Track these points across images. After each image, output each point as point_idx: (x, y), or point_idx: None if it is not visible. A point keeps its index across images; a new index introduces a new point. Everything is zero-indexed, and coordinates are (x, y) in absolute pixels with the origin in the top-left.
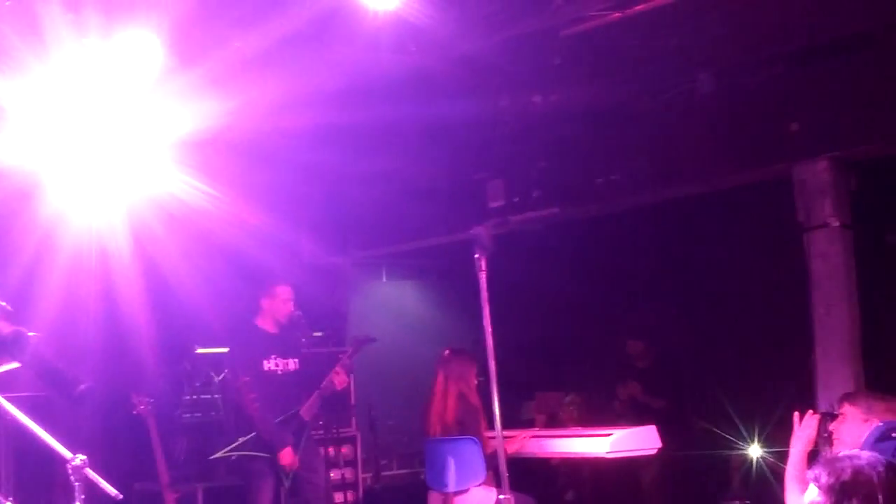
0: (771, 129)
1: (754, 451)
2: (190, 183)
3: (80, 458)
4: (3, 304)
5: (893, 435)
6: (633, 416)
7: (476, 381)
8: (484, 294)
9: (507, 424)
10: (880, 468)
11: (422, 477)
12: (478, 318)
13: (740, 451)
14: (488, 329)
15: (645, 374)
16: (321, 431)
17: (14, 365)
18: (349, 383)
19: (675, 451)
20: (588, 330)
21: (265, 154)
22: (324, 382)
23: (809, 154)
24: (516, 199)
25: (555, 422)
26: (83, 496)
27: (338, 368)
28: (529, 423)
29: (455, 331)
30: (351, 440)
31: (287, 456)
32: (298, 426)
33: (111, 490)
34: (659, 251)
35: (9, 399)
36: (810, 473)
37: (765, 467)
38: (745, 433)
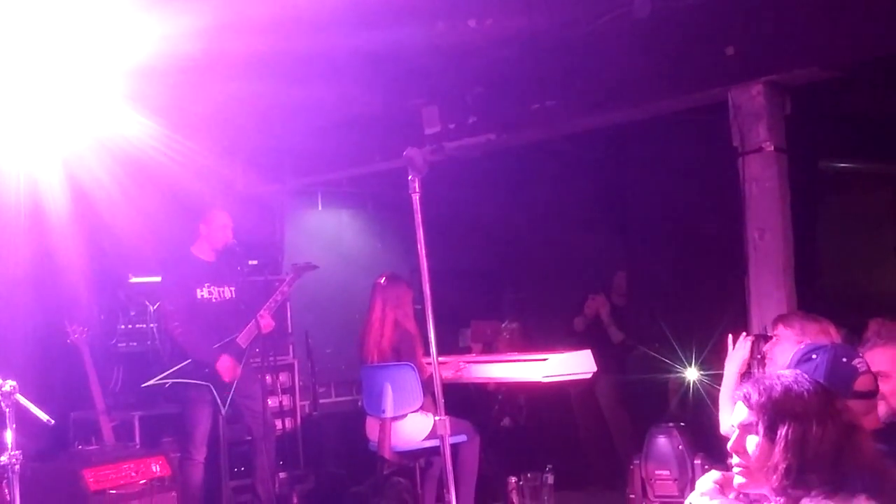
0: (707, 53)
1: (691, 374)
2: (123, 113)
3: (9, 384)
4: None
5: (814, 356)
6: (589, 339)
7: (413, 309)
8: (418, 216)
9: (444, 351)
10: (808, 385)
11: (360, 404)
12: (414, 245)
13: (678, 375)
14: (422, 251)
15: (617, 309)
16: (258, 359)
17: None
18: (274, 327)
19: (617, 375)
20: (525, 258)
21: (199, 84)
22: (256, 317)
23: (745, 78)
24: (452, 126)
25: (491, 350)
26: (14, 424)
27: (262, 312)
28: (466, 351)
29: (392, 259)
30: (288, 368)
31: (225, 363)
32: (236, 353)
33: (42, 416)
34: (595, 178)
35: None
36: (739, 392)
37: (701, 390)
38: (682, 357)
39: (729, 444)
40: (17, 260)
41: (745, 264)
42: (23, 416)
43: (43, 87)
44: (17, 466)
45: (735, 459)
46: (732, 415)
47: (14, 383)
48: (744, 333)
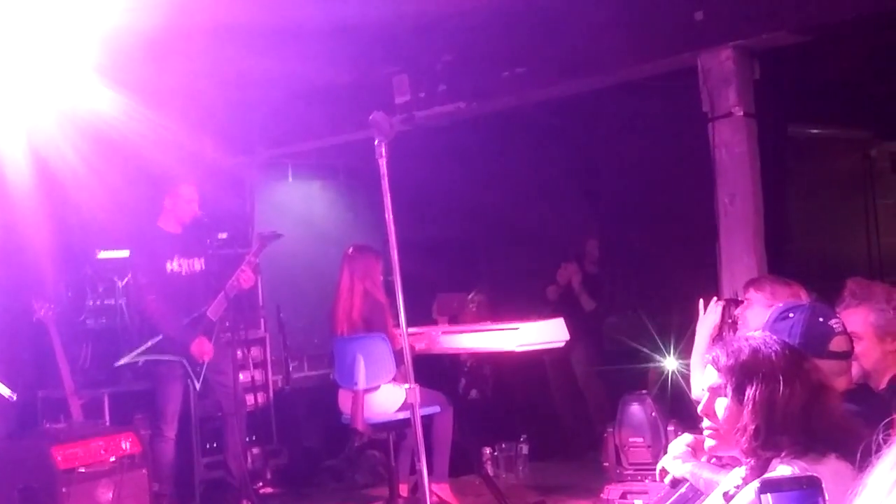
0: (676, 18)
1: (670, 363)
2: (88, 85)
3: None
4: None
5: (790, 315)
6: (562, 308)
7: (382, 279)
8: (384, 182)
9: (415, 323)
10: (776, 346)
11: (332, 377)
12: (384, 218)
13: (657, 365)
14: (390, 219)
15: (590, 278)
16: (229, 333)
17: None
18: (256, 281)
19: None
20: (496, 227)
21: (165, 55)
22: (229, 282)
23: (714, 43)
24: (422, 95)
25: (456, 322)
26: None
27: (244, 267)
28: (434, 324)
29: (365, 231)
30: (260, 342)
31: (199, 345)
32: (206, 327)
33: (5, 391)
34: (566, 145)
35: None
36: (707, 356)
37: (681, 380)
38: (661, 345)
39: (699, 408)
40: None
41: (715, 229)
42: None
43: (6, 58)
44: None
45: (706, 422)
46: (703, 378)
47: None
48: (715, 298)
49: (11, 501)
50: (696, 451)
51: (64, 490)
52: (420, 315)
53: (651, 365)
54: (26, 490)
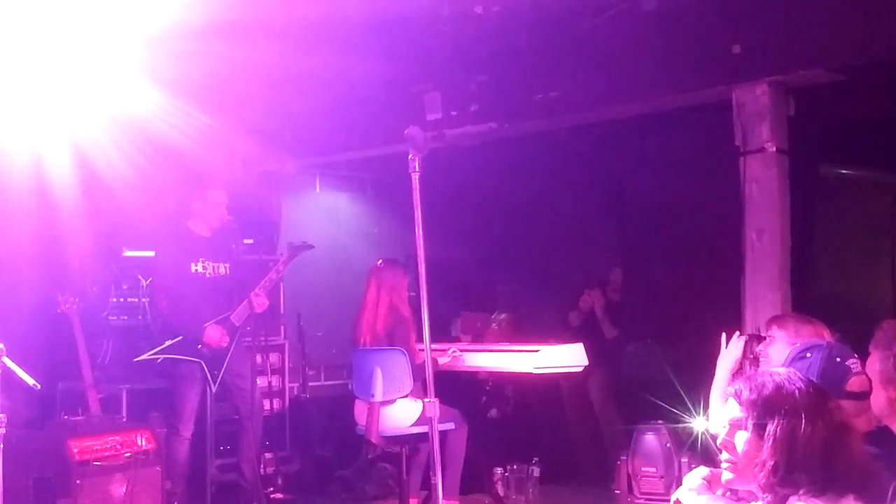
0: (712, 50)
1: (699, 424)
2: (125, 81)
3: None
4: None
5: (808, 355)
6: (583, 334)
7: (408, 294)
8: (416, 196)
9: (436, 339)
10: (800, 384)
11: (349, 387)
12: (409, 233)
13: (686, 425)
14: (420, 232)
15: (613, 306)
16: (249, 339)
17: None
18: (268, 306)
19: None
20: (521, 250)
21: (201, 54)
22: (250, 296)
23: (750, 77)
24: (454, 113)
25: (479, 341)
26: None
27: (258, 291)
28: (456, 342)
29: (386, 246)
30: (279, 349)
31: (213, 332)
32: (229, 331)
33: (29, 380)
34: (594, 172)
35: None
36: (730, 389)
37: (712, 443)
38: (689, 403)
39: (718, 440)
40: (20, 227)
41: (741, 264)
42: (10, 382)
43: (45, 54)
44: (3, 430)
45: (724, 455)
46: (724, 411)
47: (1, 346)
48: (737, 332)
49: (26, 490)
50: (711, 484)
51: (78, 482)
52: (438, 333)
53: (680, 426)
54: (41, 480)
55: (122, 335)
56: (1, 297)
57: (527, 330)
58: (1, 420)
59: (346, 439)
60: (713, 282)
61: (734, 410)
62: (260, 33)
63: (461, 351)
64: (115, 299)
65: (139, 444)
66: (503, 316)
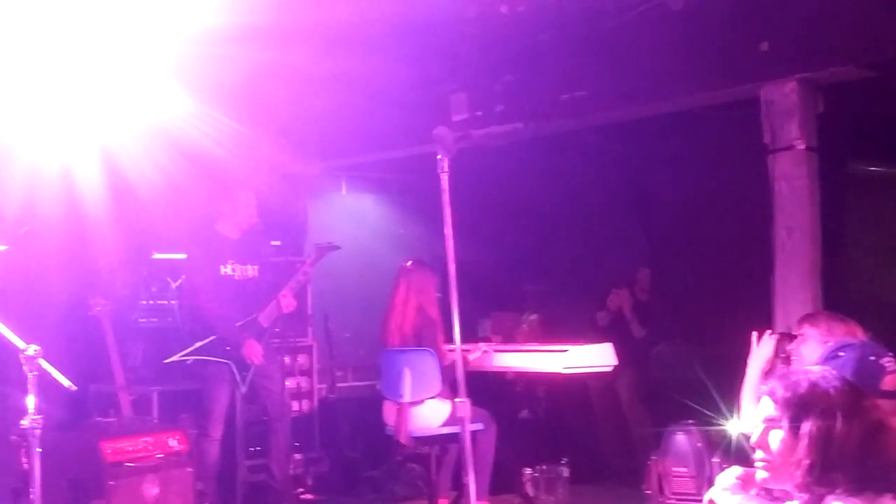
0: (740, 48)
1: (733, 426)
2: (156, 86)
3: (33, 349)
4: None
5: (841, 353)
6: (612, 334)
7: (436, 295)
8: (445, 196)
9: (464, 339)
10: (836, 382)
11: (377, 388)
12: (435, 234)
13: (719, 428)
14: (449, 232)
15: (641, 305)
16: (278, 340)
17: None
18: (295, 305)
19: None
20: (547, 250)
21: (230, 58)
22: (278, 297)
23: (778, 75)
24: (479, 113)
25: (510, 342)
26: (37, 389)
27: (285, 292)
28: (486, 342)
29: (411, 247)
30: (307, 350)
31: (250, 347)
32: (257, 333)
33: (65, 381)
34: (621, 171)
35: None
36: (764, 387)
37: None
38: (722, 405)
39: (753, 439)
40: (53, 231)
41: (771, 263)
42: (45, 383)
43: (75, 60)
44: (38, 431)
45: (759, 454)
46: (758, 409)
47: (38, 348)
48: (768, 331)
49: (60, 491)
50: (746, 483)
51: (111, 483)
52: (465, 333)
53: (712, 428)
54: (74, 481)
55: (152, 337)
56: (35, 300)
57: (556, 330)
58: (38, 421)
59: (374, 440)
60: (742, 281)
61: (769, 409)
62: (286, 37)
63: (492, 351)
64: (144, 302)
65: (171, 445)
66: (533, 316)
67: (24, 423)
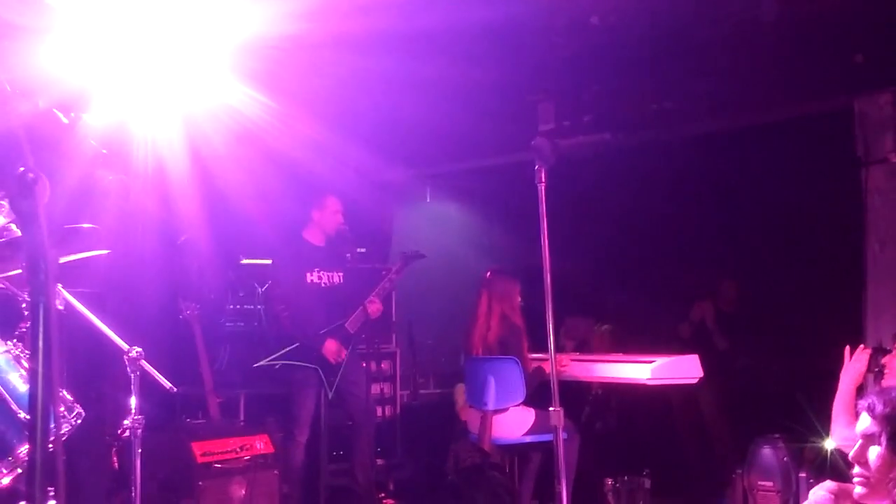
0: (834, 60)
1: (829, 443)
2: (246, 92)
3: (136, 350)
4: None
5: None
6: (694, 345)
7: (520, 302)
8: (542, 207)
9: (537, 348)
10: None
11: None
12: (519, 242)
13: (813, 444)
14: (545, 242)
15: (725, 317)
16: (363, 346)
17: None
18: (381, 311)
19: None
20: (630, 259)
21: (319, 65)
22: (364, 302)
23: (873, 87)
24: (567, 123)
25: (585, 348)
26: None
27: (372, 297)
28: (559, 349)
29: (494, 257)
30: (390, 356)
31: (329, 346)
32: (344, 339)
33: (166, 383)
34: (706, 182)
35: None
36: (863, 403)
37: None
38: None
39: (850, 454)
40: (147, 236)
41: (862, 276)
42: (145, 384)
43: (168, 68)
44: (140, 431)
45: (856, 469)
46: (857, 425)
47: (140, 349)
48: (861, 346)
49: (151, 491)
50: (838, 498)
51: (200, 484)
52: (540, 341)
53: (807, 445)
54: (167, 481)
55: (238, 341)
56: (132, 303)
57: (627, 341)
58: (139, 421)
59: (456, 447)
60: (832, 294)
61: (866, 424)
62: (375, 44)
63: (573, 360)
64: (231, 306)
65: (258, 447)
66: (605, 327)
67: (127, 422)
